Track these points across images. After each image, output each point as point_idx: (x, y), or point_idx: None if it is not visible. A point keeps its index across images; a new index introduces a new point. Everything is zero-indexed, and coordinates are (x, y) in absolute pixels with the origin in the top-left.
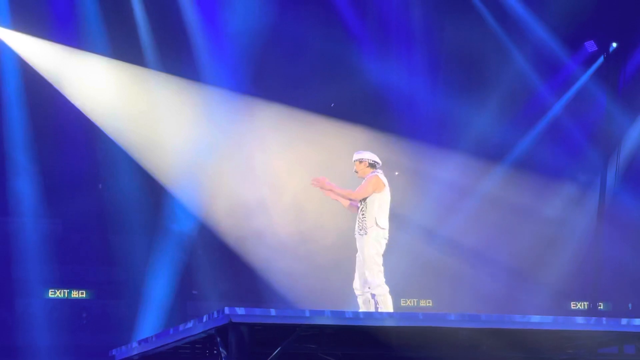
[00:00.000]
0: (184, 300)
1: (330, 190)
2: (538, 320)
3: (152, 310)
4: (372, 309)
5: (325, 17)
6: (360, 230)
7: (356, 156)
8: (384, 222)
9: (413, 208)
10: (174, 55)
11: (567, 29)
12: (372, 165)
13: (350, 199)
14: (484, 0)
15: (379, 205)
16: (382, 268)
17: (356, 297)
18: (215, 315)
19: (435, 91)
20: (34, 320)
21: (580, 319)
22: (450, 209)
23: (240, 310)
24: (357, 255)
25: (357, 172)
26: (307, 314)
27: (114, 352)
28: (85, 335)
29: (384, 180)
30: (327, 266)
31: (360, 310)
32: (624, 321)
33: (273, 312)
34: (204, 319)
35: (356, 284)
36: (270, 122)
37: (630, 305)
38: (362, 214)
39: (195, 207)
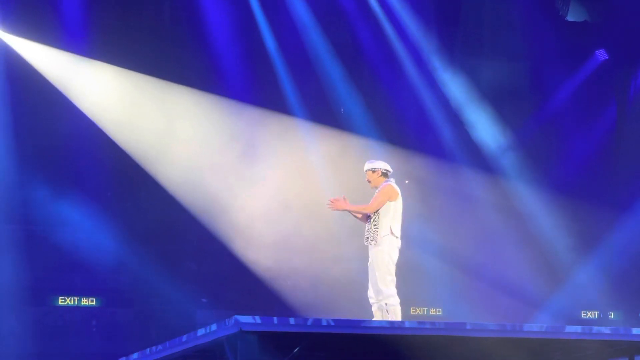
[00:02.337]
0: (193, 308)
1: (345, 209)
2: (548, 329)
3: (161, 318)
4: (387, 317)
5: (335, 27)
6: (372, 240)
7: (368, 165)
8: (398, 231)
9: (422, 217)
10: (184, 65)
11: (578, 37)
12: (385, 174)
13: (365, 213)
14: (493, 8)
15: (393, 215)
16: (394, 278)
17: (371, 305)
18: (225, 323)
19: (443, 102)
20: (43, 328)
21: (590, 329)
22: (460, 218)
23: (250, 319)
24: (368, 263)
25: (369, 181)
26: (317, 323)
27: None
28: (95, 343)
29: (397, 188)
30: (338, 275)
31: (375, 318)
32: (634, 331)
33: (283, 321)
34: (214, 328)
35: (370, 293)
36: (279, 132)
37: None
38: (374, 225)
39: (206, 216)
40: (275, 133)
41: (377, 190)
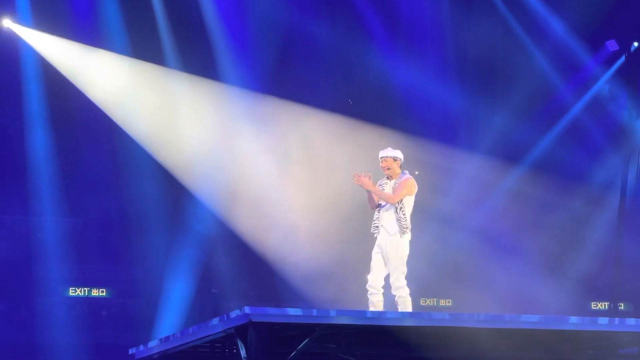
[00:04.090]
0: (203, 299)
1: (368, 189)
2: (558, 320)
3: (172, 309)
4: (397, 309)
5: (343, 16)
6: (401, 231)
7: (391, 153)
8: (410, 223)
9: (432, 207)
10: (194, 54)
11: (588, 28)
12: (401, 165)
13: (387, 202)
14: None
15: (409, 208)
16: (406, 269)
17: (371, 294)
18: (235, 314)
19: (454, 90)
20: (54, 319)
21: (600, 320)
22: (469, 209)
23: (260, 310)
24: (375, 253)
25: (388, 169)
26: (327, 314)
27: (133, 350)
28: (105, 333)
29: (415, 182)
30: (348, 266)
31: (373, 308)
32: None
33: (293, 311)
34: (224, 318)
35: (374, 282)
36: (289, 121)
37: None
38: (403, 214)
39: (215, 206)
40: (285, 120)
41: (397, 181)
